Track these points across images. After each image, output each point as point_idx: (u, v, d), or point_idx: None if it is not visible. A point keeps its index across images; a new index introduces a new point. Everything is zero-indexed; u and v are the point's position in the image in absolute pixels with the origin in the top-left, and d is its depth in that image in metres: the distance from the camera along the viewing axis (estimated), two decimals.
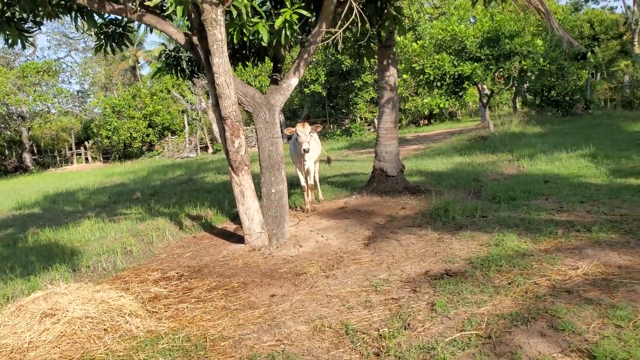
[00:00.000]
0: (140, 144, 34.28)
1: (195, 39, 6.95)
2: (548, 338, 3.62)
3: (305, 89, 28.96)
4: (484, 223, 7.00)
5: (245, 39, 6.88)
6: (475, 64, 17.00)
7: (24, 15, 7.42)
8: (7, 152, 38.84)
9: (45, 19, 7.46)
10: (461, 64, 17.07)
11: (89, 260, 7.67)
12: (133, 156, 34.91)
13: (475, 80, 17.32)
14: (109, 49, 8.14)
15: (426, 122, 36.28)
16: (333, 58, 26.49)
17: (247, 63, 8.70)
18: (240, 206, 6.89)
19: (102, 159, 36.65)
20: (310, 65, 28.02)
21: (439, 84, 17.51)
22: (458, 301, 4.48)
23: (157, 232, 9.01)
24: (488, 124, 19.16)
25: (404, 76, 18.99)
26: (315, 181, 9.59)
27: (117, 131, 33.46)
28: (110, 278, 6.60)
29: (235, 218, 8.59)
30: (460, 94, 17.90)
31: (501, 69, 17.20)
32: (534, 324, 3.85)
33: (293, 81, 7.33)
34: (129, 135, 33.53)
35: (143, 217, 10.86)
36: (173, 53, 8.68)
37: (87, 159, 37.03)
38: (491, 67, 17.10)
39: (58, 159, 39.10)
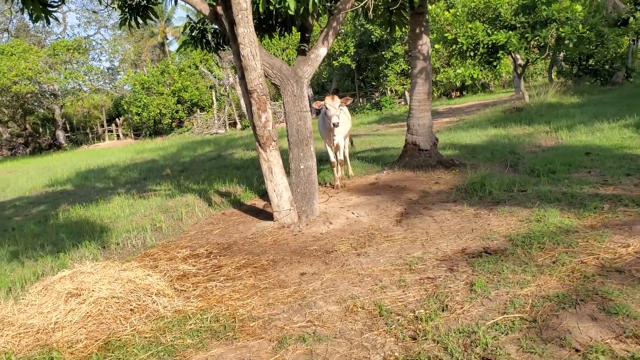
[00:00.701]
0: (170, 121, 34.38)
1: (219, 9, 6.71)
2: (600, 322, 3.35)
3: (334, 62, 28.46)
4: (523, 198, 6.68)
5: (271, 7, 6.62)
6: (510, 32, 16.35)
7: None
8: (41, 130, 39.49)
9: None
10: (495, 32, 16.44)
11: (118, 237, 7.64)
12: (163, 132, 35.08)
13: (509, 49, 16.67)
14: (133, 22, 7.96)
15: (458, 94, 35.47)
16: (362, 29, 25.86)
17: (273, 34, 8.44)
18: (269, 183, 6.71)
19: (133, 136, 36.99)
20: (339, 37, 27.46)
21: (472, 53, 16.92)
22: (499, 281, 4.23)
23: (187, 208, 8.93)
24: (523, 94, 18.53)
25: (436, 46, 18.41)
26: (345, 156, 9.35)
27: (147, 108, 33.59)
28: (139, 255, 6.53)
29: (264, 195, 8.43)
30: (495, 64, 17.27)
31: (537, 37, 16.51)
32: (583, 306, 3.58)
33: (321, 51, 7.05)
34: (159, 111, 33.62)
35: (172, 193, 10.82)
36: (198, 25, 8.46)
37: (118, 135, 37.41)
38: (526, 35, 16.42)
39: (90, 136, 39.58)
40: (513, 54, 18.07)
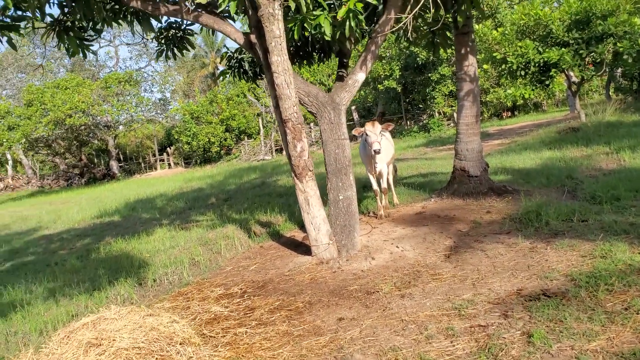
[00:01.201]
0: (218, 148, 34.75)
1: (253, 37, 6.48)
2: None
3: (379, 85, 28.12)
4: (584, 229, 6.05)
5: (306, 33, 6.33)
6: (563, 49, 15.59)
7: (83, 24, 7.27)
8: (95, 160, 40.70)
9: (103, 26, 7.26)
10: (547, 50, 15.71)
11: (155, 272, 7.43)
12: (212, 160, 35.49)
13: (563, 67, 15.89)
14: (170, 54, 7.85)
15: (509, 114, 34.40)
16: (407, 52, 25.50)
17: (311, 60, 8.17)
18: (306, 215, 6.35)
19: (183, 164, 37.59)
20: (383, 60, 27.18)
21: (522, 72, 16.21)
22: (561, 331, 3.69)
23: (226, 240, 8.68)
24: (578, 113, 17.60)
25: (485, 66, 17.80)
26: (389, 184, 8.92)
27: (196, 136, 34.10)
28: (172, 294, 6.26)
29: (303, 226, 8.08)
30: (547, 82, 16.50)
31: (592, 53, 15.68)
32: None
33: (359, 76, 6.71)
34: (207, 140, 34.07)
35: (214, 224, 10.62)
36: (235, 55, 8.29)
37: (169, 164, 38.11)
38: (581, 51, 15.62)
39: (143, 165, 40.53)
40: (566, 72, 17.24)
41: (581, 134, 14.47)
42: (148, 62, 58.15)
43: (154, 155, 40.12)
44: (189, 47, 7.92)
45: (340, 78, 7.11)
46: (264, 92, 32.78)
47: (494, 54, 16.16)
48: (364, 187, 11.79)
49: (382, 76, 27.53)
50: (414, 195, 9.62)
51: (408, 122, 31.34)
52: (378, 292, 5.18)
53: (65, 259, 9.53)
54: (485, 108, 33.07)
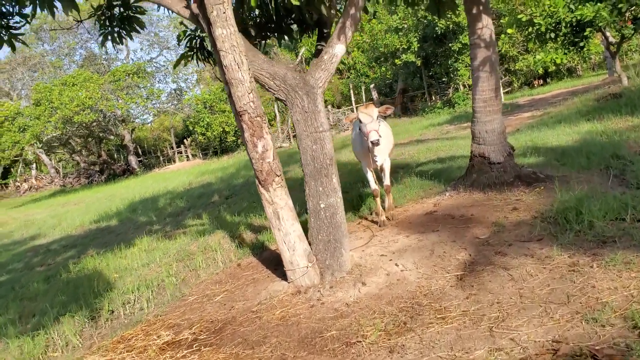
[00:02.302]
0: (234, 138, 33.48)
1: (194, 7, 5.08)
2: None
3: (396, 60, 26.29)
4: None
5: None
6: (598, 4, 13.70)
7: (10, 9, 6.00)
8: (116, 156, 40.06)
9: (30, 9, 5.96)
10: (580, 7, 13.85)
11: (115, 301, 6.23)
12: (229, 150, 34.33)
13: (599, 25, 13.99)
14: (117, 37, 6.52)
15: (541, 82, 32.10)
16: (425, 21, 23.58)
17: (291, 35, 6.74)
18: (277, 232, 4.98)
19: (201, 156, 36.55)
20: (400, 32, 25.27)
21: (552, 35, 14.37)
22: None
23: (207, 254, 7.50)
24: (619, 77, 15.66)
25: (509, 31, 15.95)
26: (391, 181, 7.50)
27: (210, 126, 32.91)
28: (114, 340, 5.02)
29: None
30: (581, 44, 14.64)
31: (633, 7, 13.75)
32: None
33: (338, 49, 5.24)
34: (222, 129, 32.85)
35: (204, 230, 9.41)
36: (197, 34, 6.91)
37: (187, 157, 37.13)
38: (620, 6, 13.70)
39: (161, 159, 39.71)
40: (603, 31, 15.29)
41: (624, 101, 12.62)
42: (160, 52, 57.23)
43: (172, 148, 39.20)
44: (138, 28, 6.57)
45: (319, 53, 5.66)
46: None
47: (519, 16, 14.34)
48: (362, 182, 10.35)
49: (400, 49, 25.69)
50: (427, 187, 8.13)
51: (433, 97, 29.48)
52: (360, 342, 3.79)
53: (33, 280, 8.40)
54: (515, 77, 30.96)
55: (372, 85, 29.96)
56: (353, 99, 31.17)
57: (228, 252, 7.32)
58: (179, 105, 36.50)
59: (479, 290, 4.24)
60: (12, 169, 43.72)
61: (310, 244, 5.22)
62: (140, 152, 40.41)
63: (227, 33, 4.50)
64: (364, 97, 31.07)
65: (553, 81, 31.12)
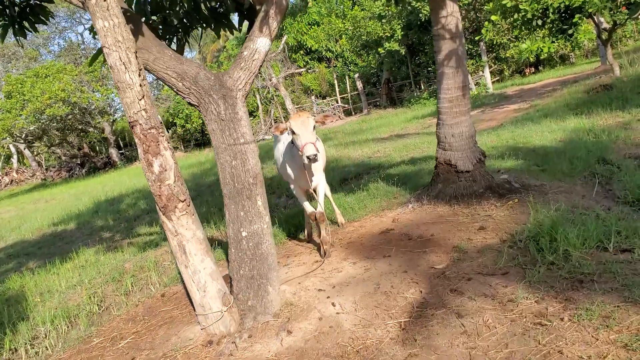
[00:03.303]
0: None
1: None
2: None
3: (379, 49, 25.23)
4: (627, 270, 3.69)
5: None
6: None
7: None
8: (97, 148, 38.94)
9: None
10: None
11: (24, 336, 5.36)
12: (209, 143, 33.26)
13: (589, 10, 13.04)
14: (19, 30, 5.56)
15: (533, 70, 31.10)
16: (410, 7, 22.50)
17: (231, 25, 5.79)
18: (183, 269, 4.07)
19: (182, 148, 35.49)
20: (383, 20, 24.17)
21: (539, 22, 13.43)
22: None
23: (142, 274, 6.61)
24: (611, 66, 14.74)
25: (493, 18, 14.94)
26: (330, 200, 6.59)
27: (190, 118, 31.79)
28: None
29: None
30: (570, 31, 13.69)
31: None
32: None
33: (260, 43, 4.30)
34: (201, 121, 31.69)
35: (150, 241, 8.55)
36: None
37: None
38: None
39: None
40: (594, 17, 14.34)
41: (615, 93, 11.74)
42: None
43: None
44: (44, 19, 5.60)
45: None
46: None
47: (503, 2, 13.37)
48: (343, 181, 9.45)
49: (384, 37, 24.61)
50: (391, 196, 7.23)
51: (418, 87, 28.46)
52: None
53: None
54: (506, 65, 29.91)
55: (356, 75, 28.89)
56: (337, 89, 30.12)
57: (161, 274, 6.45)
58: (159, 96, 35.34)
59: (422, 348, 3.37)
60: None
61: (230, 280, 4.33)
62: (121, 144, 39.27)
63: (109, 25, 3.57)
64: (348, 87, 30.04)
65: (545, 69, 30.12)
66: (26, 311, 6.22)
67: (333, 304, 4.22)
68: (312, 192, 5.46)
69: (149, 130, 3.76)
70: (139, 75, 3.72)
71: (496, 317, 3.54)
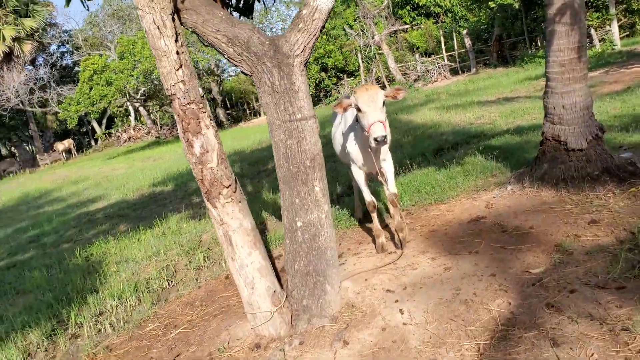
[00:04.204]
0: (314, 91, 31.88)
1: None
2: None
3: (490, 3, 23.15)
4: None
5: None
6: None
7: None
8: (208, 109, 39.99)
9: None
10: None
11: (92, 309, 5.32)
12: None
13: None
14: None
15: None
16: None
17: None
18: (230, 262, 3.61)
19: None
20: None
21: None
22: None
23: (215, 249, 6.36)
24: None
25: None
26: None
27: None
28: None
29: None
30: None
31: None
32: None
33: (321, 1, 3.62)
34: None
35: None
36: None
37: None
38: None
39: (247, 112, 39.16)
40: None
41: None
42: None
43: (257, 100, 38.48)
44: None
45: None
46: (358, 18, 28.94)
47: None
48: (438, 151, 8.58)
49: None
50: (488, 173, 6.33)
51: (534, 44, 26.06)
52: None
53: (38, 266, 7.68)
54: (638, 18, 26.53)
55: (464, 32, 26.94)
56: (444, 46, 28.36)
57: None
58: None
59: None
60: (115, 119, 45.23)
61: (286, 275, 3.83)
62: (228, 104, 40.08)
63: None
64: (456, 45, 28.18)
65: None
66: (101, 281, 6.17)
67: (401, 311, 3.59)
68: (378, 175, 4.69)
69: (187, 106, 3.27)
70: (177, 41, 3.21)
71: (604, 351, 2.75)
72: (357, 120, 4.49)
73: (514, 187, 5.45)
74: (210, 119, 3.38)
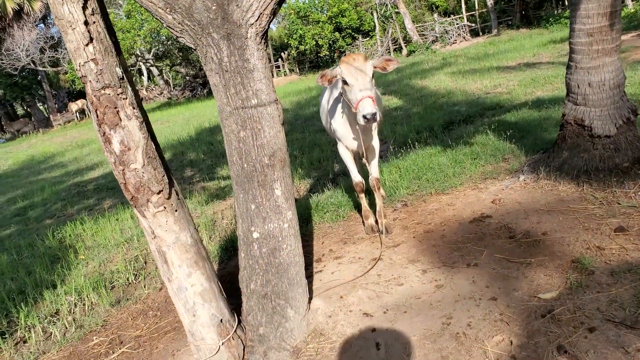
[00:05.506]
0: (328, 52, 30.69)
1: None
2: None
3: None
4: None
5: None
6: None
7: None
8: None
9: None
10: None
11: (48, 307, 4.78)
12: (323, 65, 31.68)
13: None
14: None
15: None
16: None
17: None
18: (166, 282, 2.94)
19: (298, 71, 34.30)
20: None
21: None
22: None
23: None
24: None
25: None
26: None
27: (304, 39, 30.28)
28: None
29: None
30: None
31: None
32: None
33: None
34: (314, 42, 30.05)
35: (222, 189, 7.73)
36: None
37: (285, 72, 35.08)
38: None
39: None
40: None
41: None
42: None
43: (270, 61, 37.30)
44: None
45: None
46: None
47: None
48: (448, 125, 7.82)
49: None
50: (499, 157, 5.55)
51: (561, 3, 24.57)
52: None
53: (9, 248, 7.15)
54: None
55: None
56: (464, 6, 26.89)
57: (214, 238, 5.52)
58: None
59: None
60: None
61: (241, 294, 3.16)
62: None
63: None
64: (477, 4, 26.72)
65: None
66: (65, 272, 5.60)
67: (377, 345, 2.91)
68: (364, 156, 4.12)
69: (102, 91, 2.55)
70: (84, 8, 2.47)
71: None
72: (342, 95, 3.81)
73: (527, 177, 4.68)
74: (134, 108, 2.66)
